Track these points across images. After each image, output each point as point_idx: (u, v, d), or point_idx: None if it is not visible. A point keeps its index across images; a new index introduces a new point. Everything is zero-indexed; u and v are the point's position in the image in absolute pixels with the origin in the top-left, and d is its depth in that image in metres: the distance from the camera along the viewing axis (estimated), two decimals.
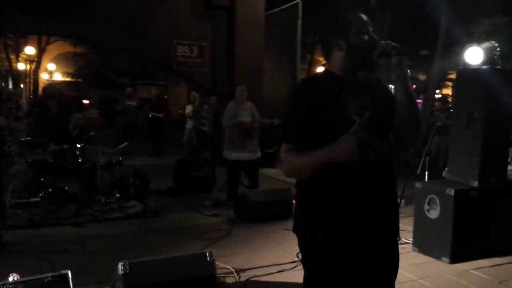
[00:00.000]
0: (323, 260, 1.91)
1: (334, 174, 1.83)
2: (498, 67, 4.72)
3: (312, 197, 1.95)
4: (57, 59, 28.58)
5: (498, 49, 4.67)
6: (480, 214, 4.61)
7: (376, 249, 1.93)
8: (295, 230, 2.05)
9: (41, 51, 23.58)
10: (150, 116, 11.57)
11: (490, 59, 4.64)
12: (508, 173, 5.41)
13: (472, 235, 4.59)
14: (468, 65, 4.75)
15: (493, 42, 4.71)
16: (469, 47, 4.70)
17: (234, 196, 6.49)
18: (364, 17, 1.94)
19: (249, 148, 6.48)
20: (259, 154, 6.61)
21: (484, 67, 4.59)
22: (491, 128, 4.60)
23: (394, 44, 1.87)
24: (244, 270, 4.15)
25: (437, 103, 15.06)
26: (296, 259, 4.46)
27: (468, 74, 4.73)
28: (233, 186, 6.63)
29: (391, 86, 2.00)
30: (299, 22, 11.48)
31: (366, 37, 1.93)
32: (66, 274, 2.85)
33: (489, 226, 4.68)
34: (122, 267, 3.05)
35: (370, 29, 1.94)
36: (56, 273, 2.83)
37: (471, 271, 4.30)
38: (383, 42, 1.88)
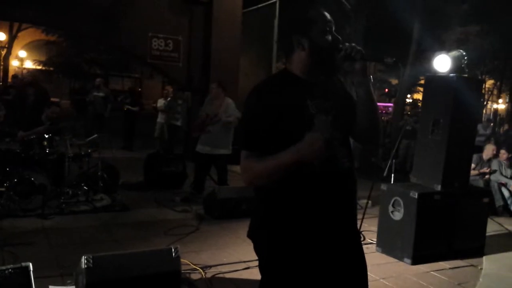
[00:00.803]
0: (286, 265, 1.82)
1: (296, 178, 1.77)
2: (465, 75, 4.86)
3: (273, 201, 1.85)
4: (28, 47, 27.89)
5: (465, 57, 4.81)
6: (442, 217, 4.74)
7: (341, 251, 1.88)
8: (251, 235, 1.96)
9: (12, 38, 22.98)
10: (126, 109, 11.40)
11: (457, 67, 4.78)
12: (471, 178, 5.60)
13: (434, 237, 4.72)
14: (436, 72, 4.88)
15: (461, 51, 4.85)
16: (438, 54, 4.82)
17: (196, 188, 6.55)
18: (327, 15, 1.84)
19: (206, 141, 6.50)
20: (222, 151, 6.51)
21: (452, 74, 4.72)
22: (455, 134, 4.73)
23: (358, 47, 1.79)
24: (211, 267, 4.16)
25: (407, 107, 15.37)
26: None
27: (435, 81, 4.85)
28: (197, 178, 6.64)
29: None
30: (276, 21, 11.52)
31: (329, 37, 1.82)
32: (28, 267, 2.81)
33: (451, 229, 4.83)
34: (85, 261, 3.02)
35: (333, 28, 1.85)
36: (17, 265, 2.79)
37: (432, 272, 4.42)
38: (347, 44, 1.80)
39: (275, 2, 11.49)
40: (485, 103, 32.20)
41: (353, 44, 1.79)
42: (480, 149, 7.75)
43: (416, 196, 4.51)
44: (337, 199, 1.85)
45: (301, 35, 1.82)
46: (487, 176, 7.34)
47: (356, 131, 1.95)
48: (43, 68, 25.53)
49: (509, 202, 7.10)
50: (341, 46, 1.80)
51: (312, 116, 1.81)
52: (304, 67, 1.86)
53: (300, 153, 1.68)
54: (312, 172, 1.77)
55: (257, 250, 1.95)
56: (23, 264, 2.82)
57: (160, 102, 11.13)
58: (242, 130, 1.88)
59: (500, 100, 34.49)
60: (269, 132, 1.78)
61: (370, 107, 1.88)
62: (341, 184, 1.86)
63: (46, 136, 5.84)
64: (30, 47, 28.00)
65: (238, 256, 4.50)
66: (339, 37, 1.84)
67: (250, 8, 12.39)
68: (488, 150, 7.65)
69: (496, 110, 34.92)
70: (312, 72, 1.87)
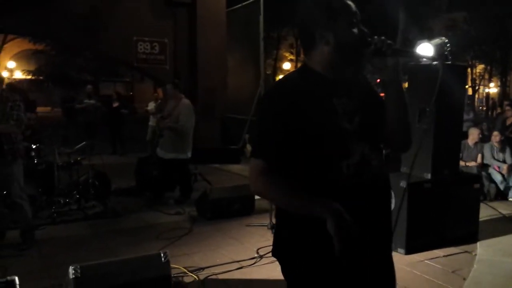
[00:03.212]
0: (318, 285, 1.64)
1: (327, 192, 1.57)
2: (449, 62, 4.84)
3: (299, 219, 1.60)
4: (17, 57, 27.81)
5: (448, 44, 4.79)
6: (434, 205, 4.74)
7: (372, 267, 1.69)
8: (277, 256, 1.74)
9: None
10: (122, 111, 11.35)
11: (441, 55, 4.75)
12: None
13: (426, 226, 4.71)
14: (420, 60, 4.86)
15: (443, 38, 4.83)
16: (421, 43, 4.80)
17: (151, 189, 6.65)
18: (353, 6, 1.64)
19: (161, 145, 6.57)
20: (172, 155, 6.47)
21: (435, 62, 4.71)
22: (442, 121, 4.72)
23: (389, 41, 1.60)
24: (203, 269, 4.14)
25: None
26: (255, 255, 4.49)
27: (419, 70, 4.83)
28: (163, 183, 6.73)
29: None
30: (261, 18, 11.49)
31: (356, 30, 1.62)
32: (14, 281, 2.79)
33: (443, 217, 4.82)
34: (73, 271, 2.99)
35: (360, 21, 1.65)
36: (3, 280, 2.76)
37: (426, 261, 4.41)
38: (376, 38, 1.60)
39: None
40: (476, 88, 32.33)
41: (383, 38, 1.60)
42: (465, 135, 7.70)
43: (405, 186, 4.50)
44: (369, 214, 1.64)
45: (325, 29, 1.61)
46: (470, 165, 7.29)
47: (384, 134, 1.74)
48: (33, 77, 25.43)
49: (501, 186, 7.10)
50: (369, 40, 1.61)
51: (338, 118, 1.61)
52: (328, 63, 1.66)
53: (319, 214, 1.49)
54: (342, 183, 1.59)
55: (285, 271, 1.73)
56: (9, 278, 2.79)
57: (151, 105, 11.09)
58: (257, 136, 1.66)
59: (492, 84, 34.60)
60: (289, 139, 1.57)
61: (401, 108, 1.71)
62: (373, 196, 1.66)
63: (34, 147, 5.79)
64: (19, 57, 27.91)
65: (231, 256, 4.49)
66: (366, 30, 1.64)
67: (235, 7, 12.36)
68: (474, 135, 7.60)
69: (488, 94, 35.03)
70: (336, 69, 1.66)
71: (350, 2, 1.65)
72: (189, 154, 6.63)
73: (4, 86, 4.72)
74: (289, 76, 1.76)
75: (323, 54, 1.64)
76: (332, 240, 1.45)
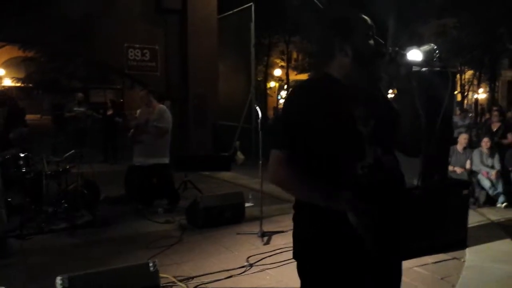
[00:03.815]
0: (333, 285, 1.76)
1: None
2: (437, 68, 4.87)
3: (316, 221, 1.75)
4: (6, 64, 27.64)
5: (437, 51, 4.83)
6: (423, 211, 4.74)
7: (383, 268, 1.82)
8: (297, 256, 1.85)
9: None
10: (116, 119, 11.30)
11: (429, 61, 4.78)
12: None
13: (415, 232, 4.71)
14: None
15: (432, 44, 4.86)
16: (410, 49, 4.83)
17: (144, 201, 6.58)
18: (368, 19, 1.81)
19: (139, 152, 6.52)
20: (155, 160, 6.46)
21: (424, 69, 4.73)
22: (431, 127, 4.74)
23: (403, 52, 1.74)
24: (193, 278, 4.12)
25: None
26: (246, 263, 4.47)
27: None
28: (139, 192, 6.66)
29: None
30: (252, 25, 11.55)
31: (372, 42, 1.79)
32: None
33: (432, 223, 4.83)
34: (61, 281, 2.96)
35: (375, 34, 1.80)
36: None
37: (415, 268, 4.42)
38: (391, 48, 1.75)
39: (250, 6, 11.54)
40: (465, 93, 32.61)
41: (397, 49, 1.75)
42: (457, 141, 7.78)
43: None
44: (384, 213, 1.74)
45: (344, 42, 1.78)
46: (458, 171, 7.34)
47: (397, 141, 1.86)
48: (22, 85, 25.25)
49: (490, 192, 7.14)
50: (384, 50, 1.76)
51: (354, 121, 1.73)
52: (346, 72, 1.81)
53: (330, 205, 1.65)
54: (355, 183, 1.69)
55: (300, 272, 1.85)
56: None
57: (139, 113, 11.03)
58: (278, 129, 1.81)
59: (481, 90, 34.91)
60: (308, 135, 1.71)
61: (413, 116, 1.81)
62: (386, 199, 1.76)
63: (22, 155, 5.74)
64: (8, 64, 27.73)
65: (221, 265, 4.46)
66: (382, 41, 1.79)
67: (226, 14, 12.41)
68: (461, 140, 7.66)
69: (476, 100, 35.34)
70: (354, 77, 1.81)
71: (366, 17, 1.81)
72: (168, 160, 6.63)
73: None
74: (311, 80, 1.98)
75: (342, 64, 1.80)
76: (356, 235, 1.59)
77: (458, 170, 7.35)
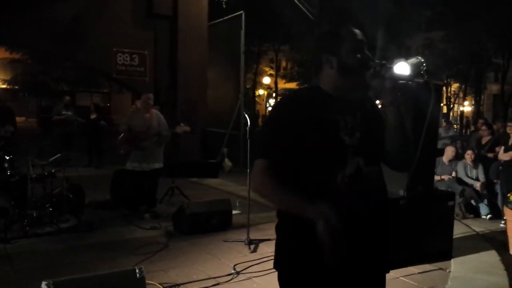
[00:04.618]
0: None
1: (321, 199, 1.67)
2: (422, 81, 4.94)
3: (297, 229, 1.74)
4: None
5: (424, 64, 4.89)
6: (408, 222, 4.77)
7: (362, 283, 1.81)
8: (276, 265, 1.88)
9: None
10: (101, 123, 11.21)
11: (416, 74, 4.85)
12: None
13: (401, 243, 4.74)
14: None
15: (419, 57, 4.93)
16: (397, 62, 4.89)
17: (131, 207, 6.57)
18: (358, 33, 1.82)
19: (141, 158, 6.46)
20: (157, 165, 6.54)
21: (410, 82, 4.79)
22: (417, 138, 4.79)
23: (388, 65, 1.75)
24: (179, 285, 4.09)
25: None
26: (232, 271, 4.45)
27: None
28: (130, 197, 6.66)
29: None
30: (242, 32, 11.59)
31: (359, 55, 1.79)
32: None
33: (418, 233, 4.87)
34: (46, 287, 2.92)
35: (365, 46, 1.82)
36: None
37: (401, 278, 4.45)
38: (377, 61, 1.77)
39: (240, 14, 11.59)
40: (451, 106, 33.02)
41: (383, 62, 1.76)
42: (442, 152, 7.87)
43: None
44: (364, 225, 1.76)
45: (330, 53, 1.81)
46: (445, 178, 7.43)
47: (385, 154, 1.87)
48: (8, 87, 24.99)
49: (474, 203, 7.23)
50: (371, 64, 1.77)
51: (339, 132, 1.75)
52: (333, 84, 1.83)
53: (307, 215, 1.64)
54: (335, 192, 1.71)
55: (279, 281, 1.87)
56: None
57: None
58: (262, 138, 1.82)
59: (466, 103, 35.39)
60: (292, 145, 1.73)
61: (399, 129, 1.82)
62: (366, 209, 1.77)
63: (7, 158, 5.67)
64: None
65: (208, 272, 4.44)
66: (370, 55, 1.80)
67: (216, 21, 12.44)
68: (448, 152, 7.76)
69: (462, 113, 35.80)
70: (341, 89, 1.83)
71: (356, 30, 1.82)
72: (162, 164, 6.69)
73: None
74: (299, 90, 2.01)
75: (328, 76, 1.82)
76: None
77: (446, 177, 7.43)
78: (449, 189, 6.75)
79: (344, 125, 1.76)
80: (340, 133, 1.75)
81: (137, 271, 3.24)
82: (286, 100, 1.90)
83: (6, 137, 6.50)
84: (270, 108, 40.34)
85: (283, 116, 1.79)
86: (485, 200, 7.21)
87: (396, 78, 1.75)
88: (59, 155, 6.15)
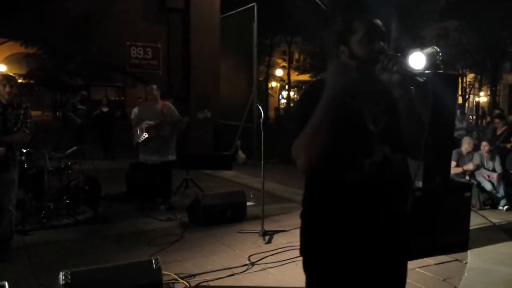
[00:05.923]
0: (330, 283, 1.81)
1: (344, 192, 1.75)
2: (440, 71, 4.89)
3: (321, 216, 1.81)
4: (8, 60, 27.64)
5: (440, 54, 4.83)
6: (425, 213, 4.75)
7: (384, 270, 1.83)
8: (303, 253, 1.91)
9: None
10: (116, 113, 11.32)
11: (432, 64, 4.80)
12: (456, 175, 5.61)
13: (417, 234, 4.71)
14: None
15: (435, 47, 4.87)
16: (413, 52, 4.84)
17: (150, 200, 6.62)
18: (375, 23, 1.79)
19: (154, 150, 6.46)
20: (171, 157, 6.55)
21: (427, 71, 4.74)
22: (433, 129, 4.74)
23: (397, 59, 1.67)
24: (195, 275, 4.12)
25: None
26: (247, 262, 4.47)
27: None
28: (149, 189, 6.69)
29: None
30: (255, 24, 11.56)
31: (369, 47, 1.75)
32: (3, 286, 2.76)
33: (434, 225, 4.84)
34: (63, 277, 2.96)
35: (380, 37, 1.77)
36: None
37: (417, 269, 4.42)
38: (387, 53, 1.70)
39: (253, 6, 11.54)
40: (467, 96, 32.62)
41: (392, 54, 1.69)
42: (457, 143, 7.77)
43: None
44: (384, 213, 1.78)
45: (344, 43, 1.81)
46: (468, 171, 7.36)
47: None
48: (24, 81, 25.26)
49: (492, 194, 7.15)
50: (381, 57, 1.71)
51: (365, 120, 1.76)
52: (351, 72, 1.80)
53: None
54: (363, 180, 1.73)
55: (306, 268, 1.90)
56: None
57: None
58: (297, 119, 1.80)
59: (482, 93, 34.92)
60: None
61: (411, 121, 1.78)
62: (391, 197, 1.79)
63: (24, 151, 5.74)
64: (10, 60, 27.74)
65: (223, 263, 4.47)
66: (384, 47, 1.74)
67: (229, 13, 12.41)
68: (465, 144, 7.67)
69: (478, 103, 35.35)
70: (359, 78, 1.78)
71: (373, 21, 1.79)
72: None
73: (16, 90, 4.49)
74: (321, 80, 1.90)
75: (346, 65, 1.80)
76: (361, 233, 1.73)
77: (471, 166, 7.33)
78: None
79: (367, 113, 1.77)
80: (365, 121, 1.76)
81: (153, 261, 3.28)
82: (313, 86, 1.88)
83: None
84: (283, 100, 40.26)
85: (311, 101, 1.75)
86: (502, 191, 7.12)
87: (403, 73, 1.67)
88: (75, 147, 6.21)
